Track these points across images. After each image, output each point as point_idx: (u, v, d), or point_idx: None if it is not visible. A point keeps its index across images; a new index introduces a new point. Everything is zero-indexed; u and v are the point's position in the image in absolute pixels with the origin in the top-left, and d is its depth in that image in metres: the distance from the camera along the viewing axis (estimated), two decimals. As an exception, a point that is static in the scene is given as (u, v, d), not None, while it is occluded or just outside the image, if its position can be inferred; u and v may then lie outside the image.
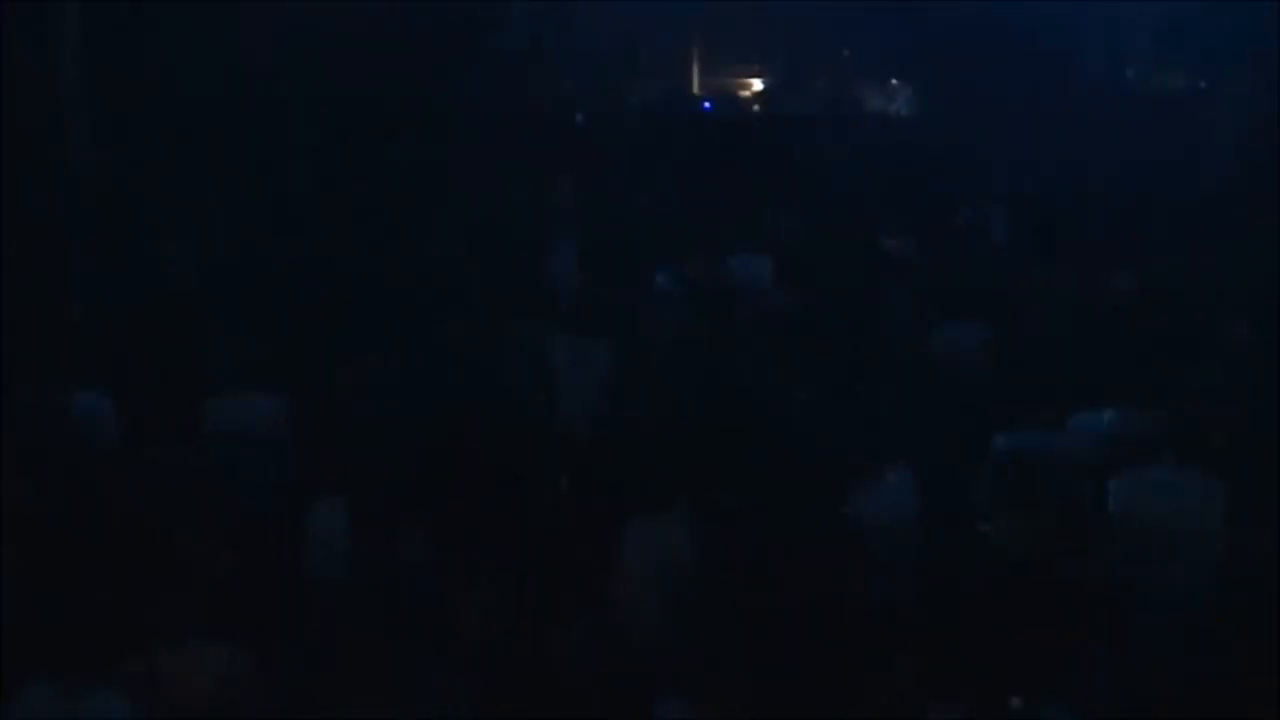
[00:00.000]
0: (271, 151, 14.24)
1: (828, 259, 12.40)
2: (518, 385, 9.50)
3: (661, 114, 19.06)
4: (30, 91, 12.99)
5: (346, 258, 12.14)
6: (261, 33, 14.92)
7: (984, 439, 7.87)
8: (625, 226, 13.51)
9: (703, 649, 6.28)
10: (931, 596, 6.72)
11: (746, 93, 21.81)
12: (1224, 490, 7.13)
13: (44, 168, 12.85)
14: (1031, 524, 7.11)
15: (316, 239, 12.55)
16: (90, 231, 12.50)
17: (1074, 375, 8.97)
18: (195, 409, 8.39)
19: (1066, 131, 16.84)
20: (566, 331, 9.90)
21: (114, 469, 7.88)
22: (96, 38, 13.61)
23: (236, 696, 5.94)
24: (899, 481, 7.40)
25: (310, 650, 6.31)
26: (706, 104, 20.75)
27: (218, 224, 12.73)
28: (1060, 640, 6.29)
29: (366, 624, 6.51)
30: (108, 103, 13.61)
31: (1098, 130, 17.01)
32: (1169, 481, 7.17)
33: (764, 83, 21.85)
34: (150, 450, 7.95)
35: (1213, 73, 19.66)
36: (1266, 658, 6.06)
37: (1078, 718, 5.77)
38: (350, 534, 7.19)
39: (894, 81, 20.50)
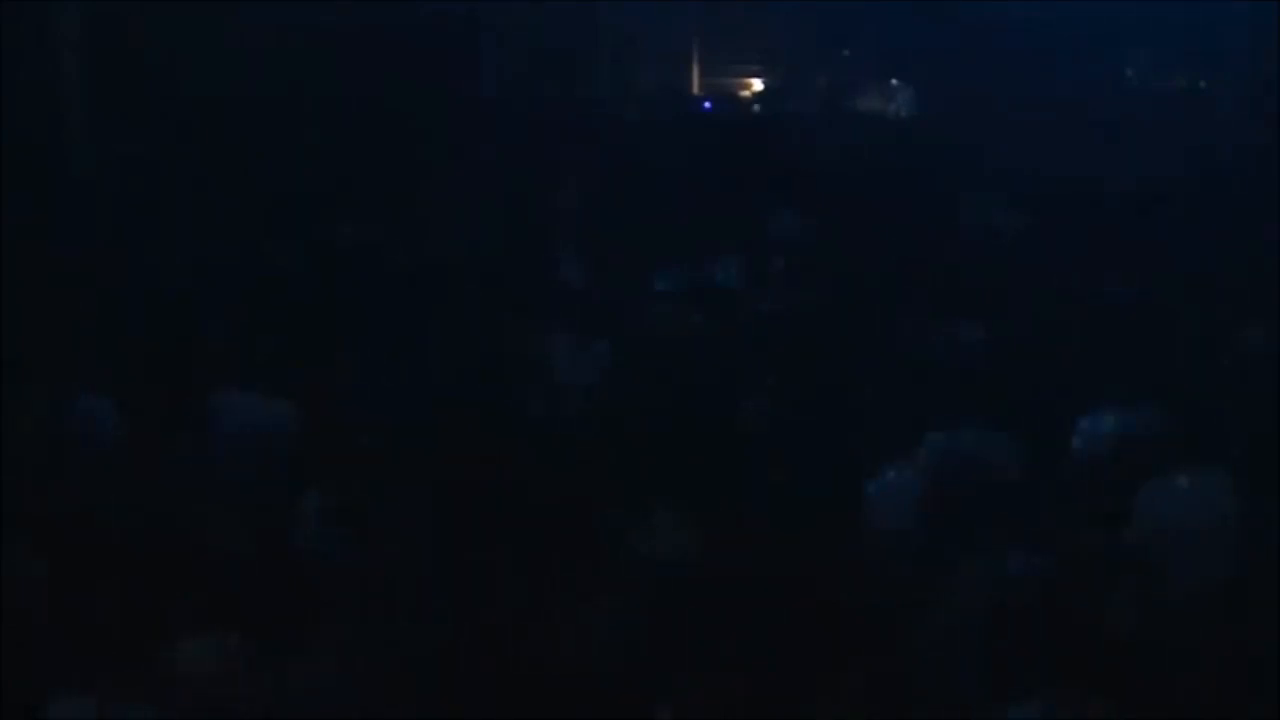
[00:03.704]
0: (273, 150, 14.24)
1: (828, 259, 12.40)
2: (517, 384, 9.50)
3: (661, 114, 19.04)
4: (30, 91, 12.99)
5: (346, 257, 12.15)
6: (263, 31, 14.92)
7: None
8: (625, 226, 13.50)
9: (700, 650, 6.28)
10: (932, 597, 6.72)
11: (746, 93, 21.80)
12: (1241, 493, 7.10)
13: (44, 168, 12.84)
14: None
15: (317, 238, 12.55)
16: (90, 231, 12.50)
17: (1077, 376, 8.96)
18: (199, 408, 8.40)
19: (1067, 132, 16.84)
20: (566, 331, 9.91)
21: (116, 471, 7.88)
22: (96, 38, 13.60)
23: (251, 692, 5.96)
24: (901, 481, 7.41)
25: (311, 647, 6.32)
26: (706, 104, 20.74)
27: (219, 223, 12.73)
28: (1069, 642, 6.29)
29: (364, 621, 6.52)
30: (108, 102, 13.60)
31: (1098, 130, 17.01)
32: (1186, 485, 7.13)
33: (764, 83, 21.83)
34: (154, 450, 7.95)
35: (1213, 73, 19.67)
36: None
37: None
38: (349, 532, 7.21)
39: (894, 81, 20.49)
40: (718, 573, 6.74)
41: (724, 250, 12.28)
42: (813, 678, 6.04)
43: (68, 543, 6.94)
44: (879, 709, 5.98)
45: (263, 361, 9.25)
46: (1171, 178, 15.41)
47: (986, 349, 10.13)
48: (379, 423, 8.53)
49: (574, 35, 19.01)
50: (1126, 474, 7.36)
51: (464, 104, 16.32)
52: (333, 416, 8.60)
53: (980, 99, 18.55)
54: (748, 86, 21.83)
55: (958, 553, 6.94)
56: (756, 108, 21.09)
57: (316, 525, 7.30)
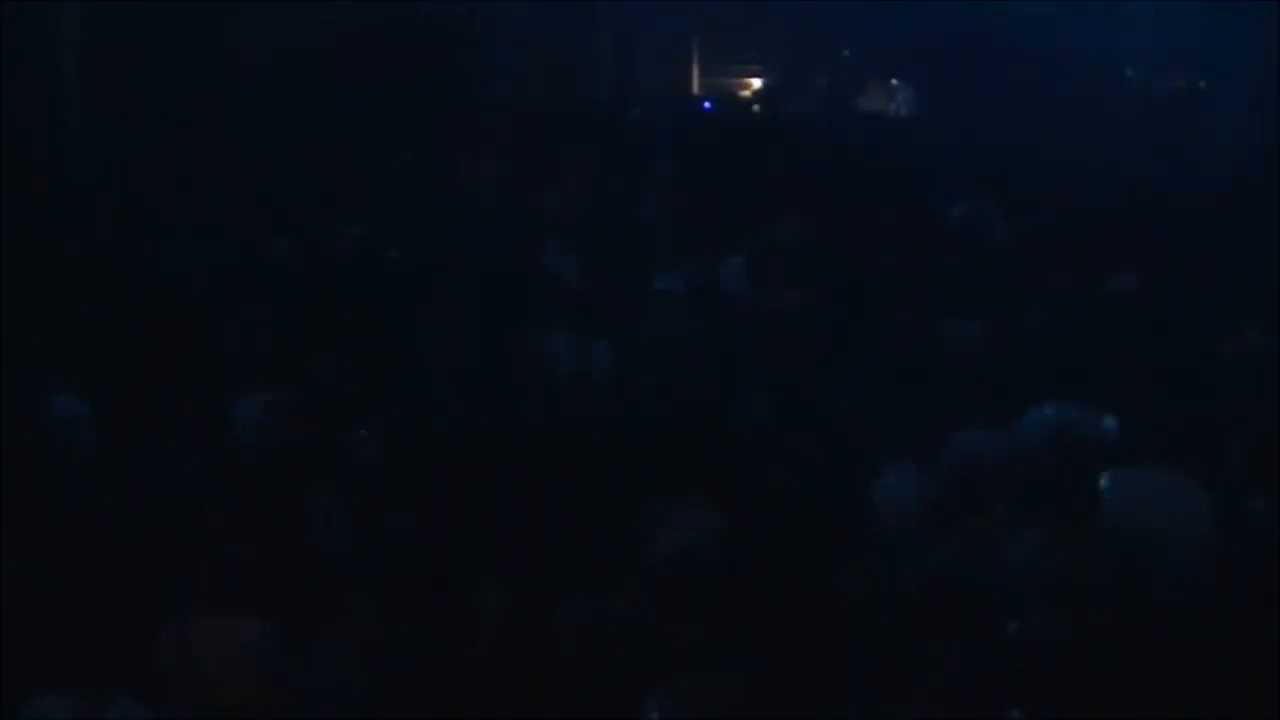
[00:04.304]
0: (273, 150, 14.25)
1: (828, 259, 12.40)
2: (516, 384, 9.50)
3: (661, 114, 19.05)
4: (30, 91, 13.00)
5: (346, 257, 12.15)
6: (263, 31, 14.93)
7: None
8: (625, 226, 13.51)
9: (703, 649, 6.28)
10: (930, 595, 6.72)
11: (746, 93, 21.80)
12: (1207, 494, 7.11)
13: (44, 168, 12.85)
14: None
15: (317, 238, 12.55)
16: (90, 231, 12.50)
17: (1075, 375, 8.97)
18: (201, 408, 8.41)
19: (1066, 132, 16.86)
20: (566, 331, 9.91)
21: (117, 472, 7.89)
22: (96, 38, 13.61)
23: (254, 690, 5.98)
24: (900, 478, 7.42)
25: (316, 646, 6.34)
26: (706, 104, 20.75)
27: (218, 223, 12.73)
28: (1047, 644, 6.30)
29: (368, 619, 6.52)
30: (108, 102, 13.62)
31: (1097, 130, 17.03)
32: (1150, 485, 7.15)
33: (764, 83, 21.84)
34: (155, 451, 7.96)
35: (1213, 73, 19.67)
36: (1254, 663, 6.05)
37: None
38: (350, 531, 7.22)
39: (894, 81, 20.51)
40: (718, 573, 6.74)
41: (724, 250, 12.28)
42: (815, 677, 6.05)
43: (67, 544, 6.94)
44: (881, 708, 5.99)
45: (263, 361, 9.25)
46: (1171, 178, 15.43)
47: (986, 349, 10.14)
48: (379, 423, 8.53)
49: (574, 35, 19.03)
50: (1072, 469, 7.37)
51: (464, 104, 16.32)
52: (333, 416, 8.61)
53: (980, 99, 18.57)
54: (748, 86, 21.83)
55: (963, 551, 6.96)
56: (756, 108, 21.08)
57: (317, 525, 7.32)
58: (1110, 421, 8.00)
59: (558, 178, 15.57)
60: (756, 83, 21.96)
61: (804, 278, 11.76)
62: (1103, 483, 7.18)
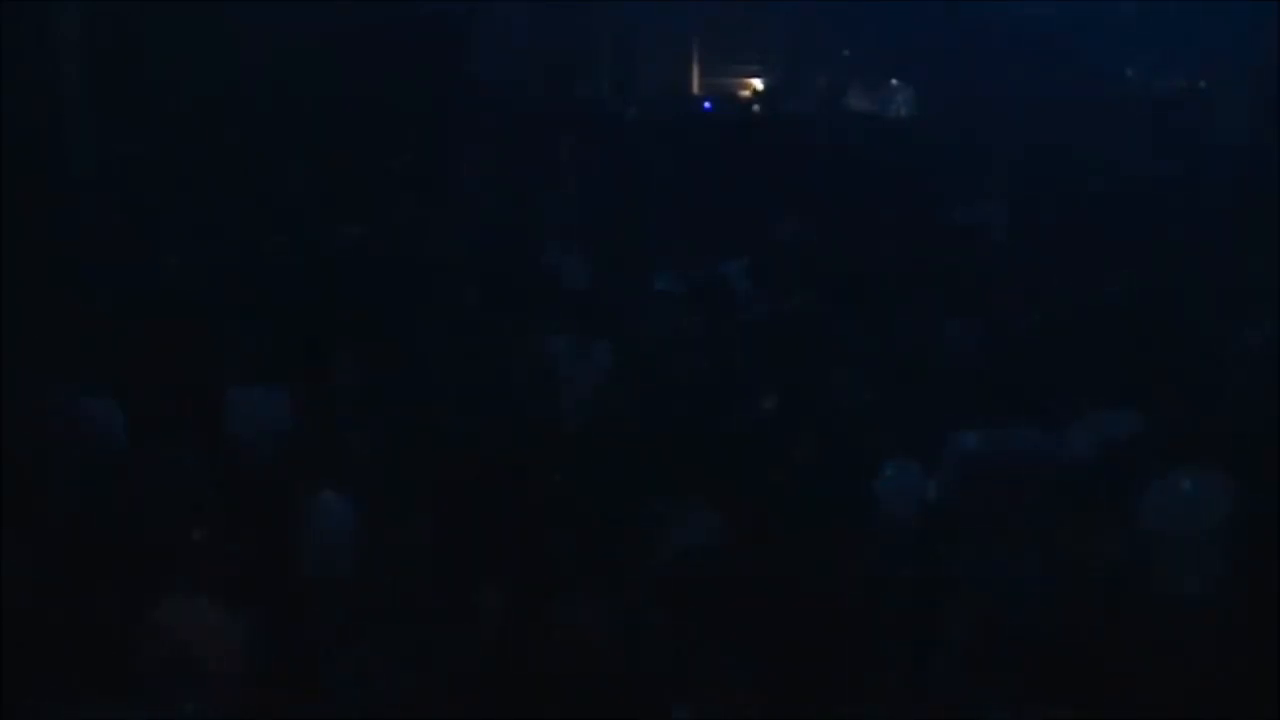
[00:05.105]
0: (273, 150, 14.24)
1: (827, 258, 12.40)
2: (519, 384, 9.51)
3: (661, 114, 19.05)
4: (30, 91, 12.99)
5: (346, 257, 12.15)
6: (263, 32, 14.93)
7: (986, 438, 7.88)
8: (625, 226, 13.51)
9: (707, 649, 6.28)
10: (933, 595, 6.72)
11: (746, 93, 21.79)
12: (1237, 493, 7.11)
13: (44, 168, 12.84)
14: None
15: (317, 238, 12.55)
16: (90, 231, 12.50)
17: (1076, 376, 8.97)
18: (203, 407, 8.41)
19: (1066, 132, 16.86)
20: (567, 332, 9.92)
21: (121, 471, 7.89)
22: (96, 38, 13.61)
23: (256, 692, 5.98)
24: (902, 477, 7.43)
25: (320, 647, 6.34)
26: (706, 104, 20.74)
27: (219, 223, 12.73)
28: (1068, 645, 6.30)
29: (370, 621, 6.53)
30: (108, 102, 13.61)
31: (1097, 130, 17.03)
32: (1184, 487, 7.14)
33: (764, 83, 21.83)
34: (158, 450, 7.96)
35: (1213, 73, 19.67)
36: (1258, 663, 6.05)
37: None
38: (354, 531, 7.23)
39: (894, 81, 20.50)
40: (721, 573, 6.74)
41: (724, 250, 12.27)
42: (816, 676, 6.05)
43: (71, 543, 6.95)
44: (881, 708, 5.99)
45: (264, 361, 9.25)
46: (1171, 177, 15.43)
47: (986, 349, 10.14)
48: (380, 423, 8.54)
49: (574, 35, 19.03)
50: (1122, 476, 7.38)
51: (464, 104, 16.32)
52: (334, 417, 8.61)
53: (980, 99, 18.57)
54: (748, 86, 21.82)
55: (967, 552, 6.97)
56: (756, 108, 21.07)
57: (320, 525, 7.32)
58: (1113, 421, 8.00)
59: (558, 178, 15.57)
60: (756, 83, 21.95)
61: (804, 278, 11.75)
62: (1118, 483, 7.20)
